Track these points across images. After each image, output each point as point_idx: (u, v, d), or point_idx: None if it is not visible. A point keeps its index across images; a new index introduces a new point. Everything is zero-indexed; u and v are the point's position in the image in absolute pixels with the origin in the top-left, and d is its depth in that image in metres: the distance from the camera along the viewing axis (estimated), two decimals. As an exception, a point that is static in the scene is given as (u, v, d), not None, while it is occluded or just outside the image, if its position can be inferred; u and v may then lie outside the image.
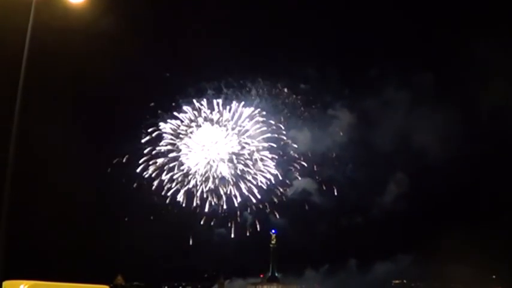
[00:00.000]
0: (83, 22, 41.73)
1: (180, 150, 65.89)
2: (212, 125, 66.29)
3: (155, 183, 64.42)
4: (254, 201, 65.30)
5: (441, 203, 65.39)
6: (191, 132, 66.28)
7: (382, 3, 64.82)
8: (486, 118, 63.42)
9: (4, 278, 15.71)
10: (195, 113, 65.80)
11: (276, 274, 71.60)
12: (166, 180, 64.72)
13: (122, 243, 60.79)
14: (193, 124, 66.09)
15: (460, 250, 55.65)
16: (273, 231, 70.99)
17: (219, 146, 66.18)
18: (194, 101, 65.44)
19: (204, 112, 65.90)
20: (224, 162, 65.69)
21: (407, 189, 66.53)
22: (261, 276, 72.45)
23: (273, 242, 71.27)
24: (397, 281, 71.93)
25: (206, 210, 65.05)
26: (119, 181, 63.29)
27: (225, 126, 66.34)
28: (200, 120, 66.12)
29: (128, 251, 60.30)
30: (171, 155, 65.35)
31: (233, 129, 66.28)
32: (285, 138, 66.59)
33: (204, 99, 65.46)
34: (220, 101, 65.49)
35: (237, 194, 65.31)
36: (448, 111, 62.95)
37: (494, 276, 67.62)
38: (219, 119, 66.08)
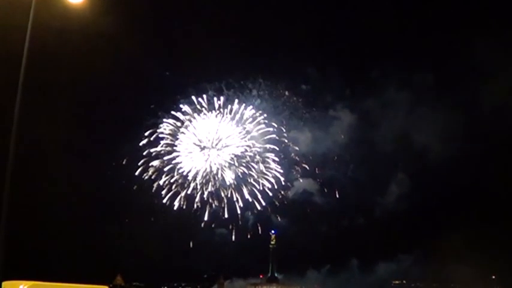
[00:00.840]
0: (83, 22, 41.75)
1: (179, 152, 65.94)
2: (213, 126, 66.34)
3: (155, 185, 64.56)
4: (258, 207, 65.45)
5: (442, 203, 65.58)
6: (192, 133, 66.36)
7: (382, 3, 64.93)
8: (486, 118, 63.48)
9: (4, 278, 15.66)
10: (196, 114, 65.88)
11: (276, 274, 71.56)
12: (166, 182, 64.82)
13: (122, 244, 60.83)
14: (193, 125, 66.15)
15: (460, 250, 55.72)
16: (273, 231, 71.06)
17: (220, 147, 66.24)
18: (195, 101, 65.61)
19: (205, 114, 65.98)
20: (225, 165, 65.71)
21: (408, 189, 66.67)
22: (261, 276, 72.43)
23: (272, 242, 71.23)
24: (397, 282, 71.93)
25: (207, 213, 65.19)
26: (119, 182, 63.40)
27: (226, 127, 66.45)
28: (201, 121, 66.21)
29: (127, 252, 60.35)
30: (170, 156, 65.45)
31: (234, 130, 66.39)
32: (286, 140, 66.80)
33: (205, 100, 65.58)
34: (221, 102, 65.61)
35: (239, 197, 65.42)
36: (449, 111, 63.21)
37: (494, 277, 67.65)
38: (220, 120, 66.18)
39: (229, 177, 65.48)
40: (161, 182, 64.50)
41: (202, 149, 65.97)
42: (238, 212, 65.24)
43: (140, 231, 60.69)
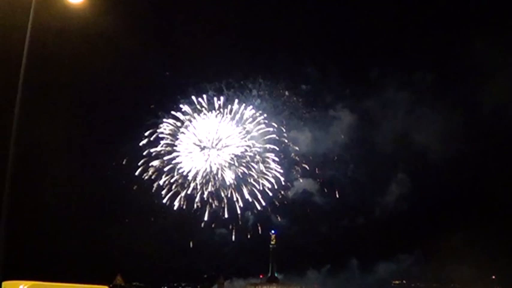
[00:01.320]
0: (83, 22, 41.80)
1: (179, 152, 65.88)
2: (213, 126, 66.29)
3: (155, 185, 64.50)
4: (259, 207, 65.29)
5: (442, 203, 65.60)
6: (191, 133, 66.31)
7: (382, 3, 64.95)
8: (487, 117, 63.57)
9: (4, 278, 15.66)
10: (196, 114, 65.84)
11: (276, 274, 71.47)
12: (166, 182, 64.79)
13: (122, 244, 60.76)
14: (193, 125, 66.12)
15: (460, 250, 55.75)
16: (273, 231, 71.01)
17: (220, 147, 66.19)
18: (195, 101, 65.55)
19: (205, 114, 65.92)
20: (225, 165, 65.63)
21: (408, 189, 66.73)
22: (261, 276, 72.40)
23: (272, 242, 71.20)
24: (397, 282, 71.93)
25: (207, 213, 65.10)
26: (119, 182, 63.37)
27: (226, 127, 66.38)
28: (201, 121, 66.18)
29: (127, 252, 60.26)
30: (170, 156, 65.38)
31: (234, 130, 66.34)
32: (286, 140, 66.76)
33: (205, 100, 65.55)
34: (221, 102, 65.57)
35: (239, 197, 65.29)
36: (449, 111, 63.37)
37: (494, 277, 67.67)
38: (220, 120, 66.13)
39: (229, 177, 65.49)
40: (161, 182, 64.48)
41: (202, 149, 65.98)
42: (238, 212, 65.22)
43: (140, 231, 60.63)
